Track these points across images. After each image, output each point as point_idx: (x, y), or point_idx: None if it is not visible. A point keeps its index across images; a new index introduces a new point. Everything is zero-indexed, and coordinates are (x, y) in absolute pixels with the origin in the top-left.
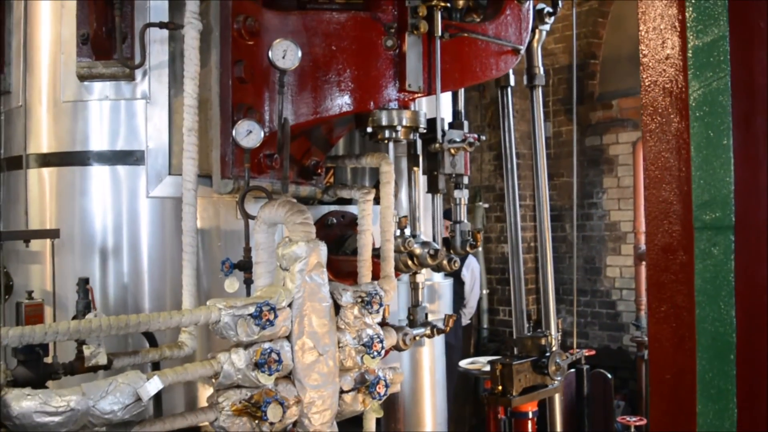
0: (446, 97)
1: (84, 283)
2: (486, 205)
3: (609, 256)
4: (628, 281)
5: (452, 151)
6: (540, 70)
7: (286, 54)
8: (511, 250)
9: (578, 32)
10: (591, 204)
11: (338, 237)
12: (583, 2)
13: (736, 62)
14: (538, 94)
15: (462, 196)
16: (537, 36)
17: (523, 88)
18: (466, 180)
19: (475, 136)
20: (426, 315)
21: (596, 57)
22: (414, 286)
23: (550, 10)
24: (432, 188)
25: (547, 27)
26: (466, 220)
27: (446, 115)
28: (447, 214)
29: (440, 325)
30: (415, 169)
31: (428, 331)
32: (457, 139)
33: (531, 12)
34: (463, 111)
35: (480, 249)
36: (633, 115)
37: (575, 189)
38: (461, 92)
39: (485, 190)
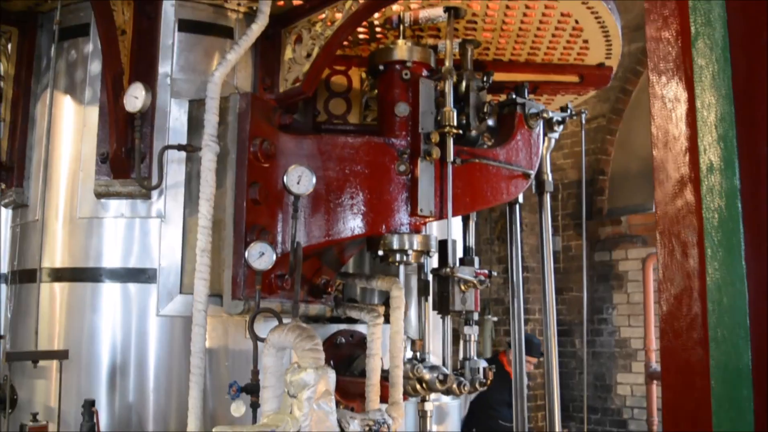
0: (456, 222)
1: (89, 406)
2: (495, 319)
3: (619, 373)
4: (640, 400)
5: (462, 287)
6: (549, 176)
7: (300, 179)
8: (514, 367)
9: (587, 149)
10: (601, 320)
11: (347, 357)
12: (592, 119)
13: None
14: (547, 201)
15: (472, 332)
16: (546, 144)
17: (532, 203)
18: (476, 317)
19: (486, 272)
20: None
21: (605, 173)
22: (422, 414)
23: (559, 119)
24: (442, 309)
25: (556, 135)
26: (476, 357)
27: (456, 236)
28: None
29: None
30: (426, 302)
31: None
32: (468, 276)
33: (541, 137)
34: (473, 246)
35: None
36: (642, 232)
37: (585, 304)
38: (472, 226)
39: (494, 303)
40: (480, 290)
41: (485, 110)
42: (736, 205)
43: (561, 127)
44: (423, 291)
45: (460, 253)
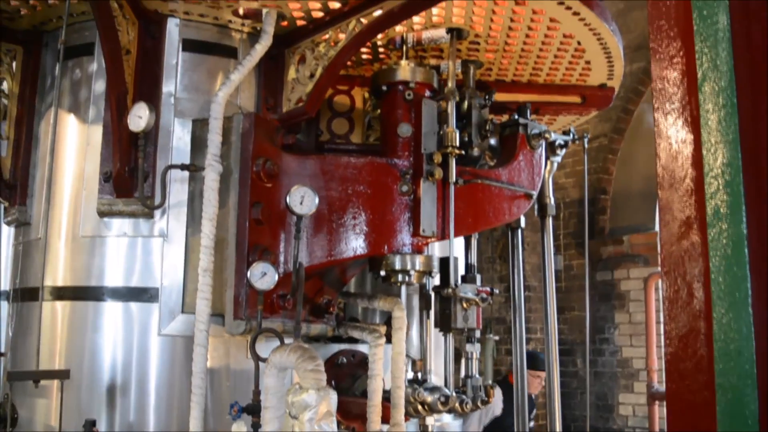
0: (458, 240)
1: (90, 425)
2: (496, 338)
3: (621, 393)
4: (642, 420)
5: (464, 305)
6: (551, 200)
7: (303, 200)
8: (516, 386)
9: (588, 168)
10: (602, 339)
11: (348, 377)
12: (593, 139)
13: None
14: (549, 224)
15: (474, 350)
16: (548, 167)
17: (533, 221)
18: (478, 334)
19: (488, 290)
20: None
21: (606, 192)
22: (423, 429)
23: (562, 142)
24: (444, 327)
25: (558, 158)
26: (478, 375)
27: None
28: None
29: None
30: (427, 320)
31: None
32: (470, 294)
33: (543, 157)
34: (475, 264)
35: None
36: (644, 251)
37: (588, 323)
38: (474, 244)
39: (496, 322)
40: (482, 308)
41: (487, 128)
42: (743, 252)
43: (563, 150)
44: (425, 307)
45: (461, 271)
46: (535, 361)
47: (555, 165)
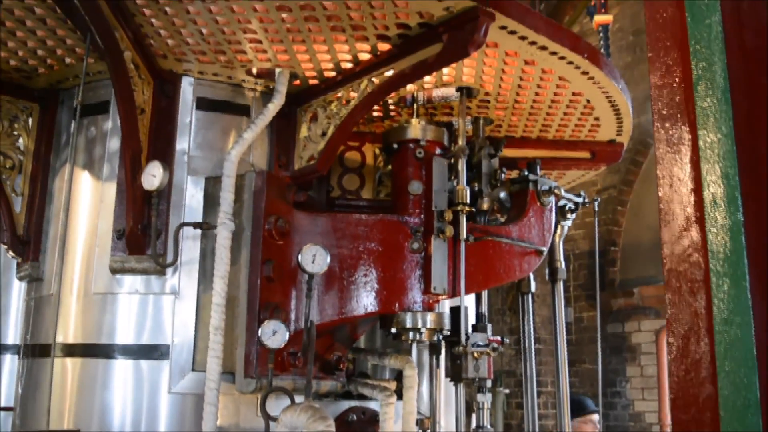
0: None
1: None
2: (507, 391)
3: None
4: None
5: (475, 355)
6: (561, 264)
7: (315, 259)
8: None
9: (598, 219)
10: (614, 393)
11: None
12: (603, 190)
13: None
14: (560, 288)
15: (485, 400)
16: (559, 231)
17: (543, 273)
18: (489, 384)
19: (499, 339)
20: None
21: (616, 244)
22: None
23: (572, 206)
24: (455, 377)
25: (569, 223)
26: (489, 425)
27: (468, 303)
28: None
29: None
30: (437, 369)
31: None
32: (481, 343)
33: (554, 213)
34: (486, 313)
35: None
36: (655, 304)
37: (600, 376)
38: (484, 295)
39: (506, 375)
40: (492, 358)
41: (497, 177)
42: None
43: (574, 214)
44: (435, 357)
45: (472, 319)
46: (583, 404)
47: (566, 229)
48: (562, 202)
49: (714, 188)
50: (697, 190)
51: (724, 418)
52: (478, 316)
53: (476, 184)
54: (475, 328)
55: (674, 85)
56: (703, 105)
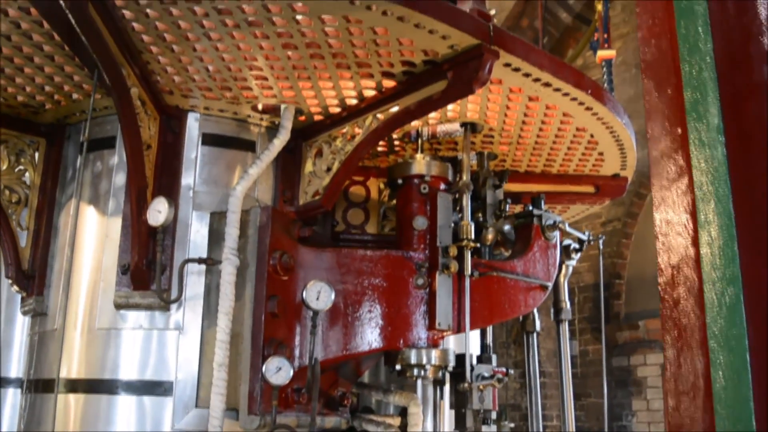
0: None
1: None
2: (512, 425)
3: None
4: None
5: (481, 386)
6: (567, 304)
7: (320, 295)
8: None
9: (602, 252)
10: (620, 427)
11: None
12: (607, 222)
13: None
14: (565, 328)
15: (490, 431)
16: (564, 271)
17: (548, 305)
18: (494, 416)
19: (503, 370)
20: None
21: (621, 277)
22: None
23: (577, 246)
24: (459, 425)
25: (573, 262)
26: None
27: (474, 348)
28: None
29: None
30: (441, 400)
31: None
32: (486, 375)
33: (558, 248)
34: (491, 345)
35: None
36: (660, 337)
37: (606, 411)
38: (489, 328)
39: (511, 408)
40: (497, 389)
41: (502, 208)
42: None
43: (578, 254)
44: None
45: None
46: None
47: (570, 269)
48: (566, 242)
49: (711, 241)
50: (695, 245)
51: None
52: (483, 346)
53: (480, 215)
54: (480, 359)
55: (670, 134)
56: (696, 150)
